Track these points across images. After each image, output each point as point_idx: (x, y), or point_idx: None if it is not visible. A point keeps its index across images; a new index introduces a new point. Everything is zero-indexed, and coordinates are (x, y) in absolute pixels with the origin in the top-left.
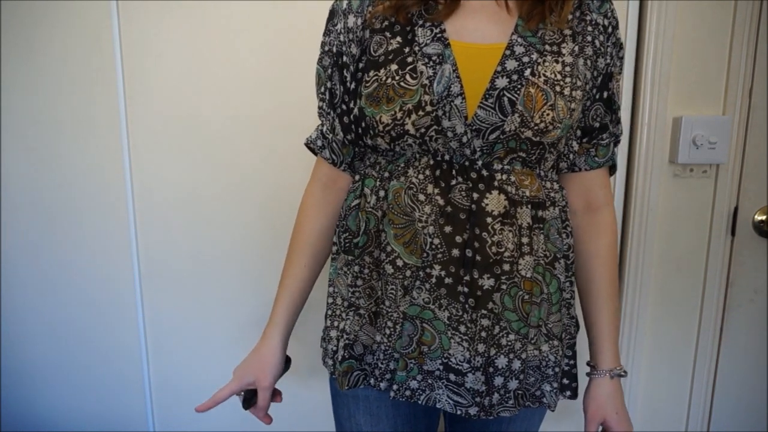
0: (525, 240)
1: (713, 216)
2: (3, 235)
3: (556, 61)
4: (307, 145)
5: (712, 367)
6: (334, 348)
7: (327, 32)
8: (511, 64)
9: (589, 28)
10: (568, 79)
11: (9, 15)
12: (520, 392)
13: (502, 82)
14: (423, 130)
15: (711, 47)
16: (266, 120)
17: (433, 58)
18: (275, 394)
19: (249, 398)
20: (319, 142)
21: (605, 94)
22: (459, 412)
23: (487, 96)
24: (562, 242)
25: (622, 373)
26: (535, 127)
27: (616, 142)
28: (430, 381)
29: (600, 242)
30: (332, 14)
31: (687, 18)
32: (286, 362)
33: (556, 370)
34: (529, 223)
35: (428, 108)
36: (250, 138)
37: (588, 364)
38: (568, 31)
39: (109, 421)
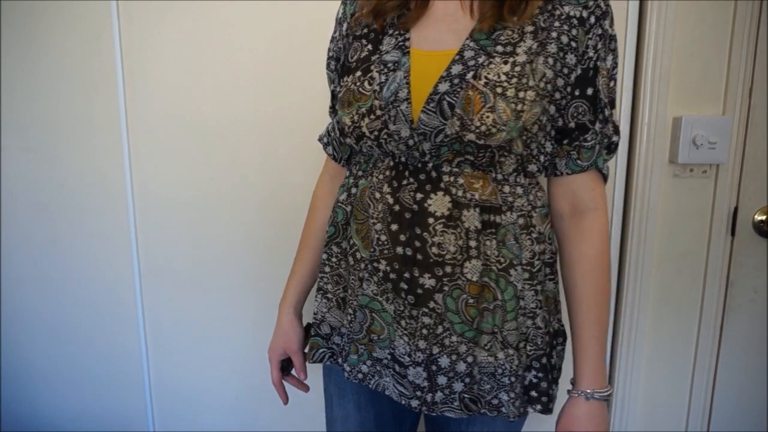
0: (472, 243)
1: (713, 216)
2: (3, 235)
3: (505, 62)
4: (319, 140)
5: (712, 367)
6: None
7: (332, 39)
8: (456, 69)
9: (557, 24)
10: (514, 80)
11: (9, 15)
12: (467, 396)
13: (443, 87)
14: (376, 133)
15: (711, 47)
16: (266, 120)
17: (389, 65)
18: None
19: (286, 367)
20: (325, 139)
21: (589, 91)
22: (403, 402)
23: (429, 100)
24: (521, 250)
25: (604, 398)
26: (476, 130)
27: (609, 146)
28: (378, 368)
29: (583, 248)
30: (336, 22)
31: (687, 18)
32: (306, 330)
33: (512, 379)
34: (477, 227)
35: (378, 112)
36: (250, 138)
37: (571, 381)
38: (530, 28)
39: (109, 421)
